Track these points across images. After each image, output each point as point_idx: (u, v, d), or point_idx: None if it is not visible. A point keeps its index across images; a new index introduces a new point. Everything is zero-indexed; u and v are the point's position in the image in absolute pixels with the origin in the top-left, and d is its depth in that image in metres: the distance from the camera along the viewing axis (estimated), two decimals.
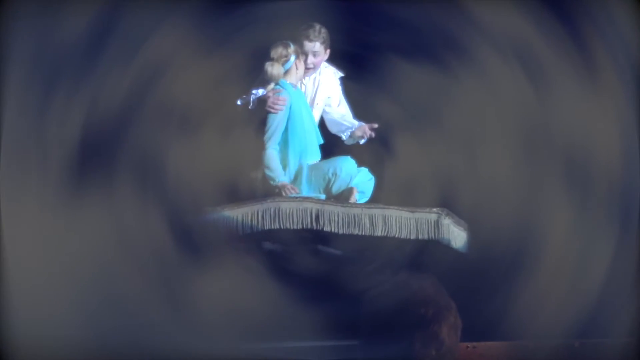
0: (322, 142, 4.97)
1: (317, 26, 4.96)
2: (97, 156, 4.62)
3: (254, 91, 4.87)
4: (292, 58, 4.86)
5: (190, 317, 4.47)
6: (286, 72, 4.88)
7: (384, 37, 5.12)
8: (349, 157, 4.87)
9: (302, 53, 4.93)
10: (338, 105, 5.15)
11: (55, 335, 4.35)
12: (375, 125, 5.04)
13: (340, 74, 5.14)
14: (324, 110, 5.15)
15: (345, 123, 5.13)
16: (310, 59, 4.97)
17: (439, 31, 4.98)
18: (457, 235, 4.77)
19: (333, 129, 5.18)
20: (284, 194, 4.72)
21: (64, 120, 4.61)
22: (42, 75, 4.61)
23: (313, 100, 5.09)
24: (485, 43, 4.91)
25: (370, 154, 5.04)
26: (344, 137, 5.15)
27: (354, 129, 5.09)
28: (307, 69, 4.97)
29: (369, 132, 5.02)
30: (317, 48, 4.96)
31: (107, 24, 4.72)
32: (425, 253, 4.71)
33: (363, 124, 5.07)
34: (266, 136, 4.82)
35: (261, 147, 4.83)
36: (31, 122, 4.58)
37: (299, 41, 4.93)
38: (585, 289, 4.63)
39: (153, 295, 4.46)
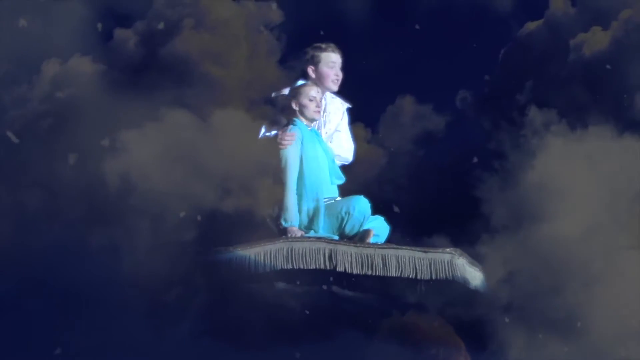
0: (343, 180, 4.95)
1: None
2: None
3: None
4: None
5: None
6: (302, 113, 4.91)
7: None
8: (362, 197, 4.84)
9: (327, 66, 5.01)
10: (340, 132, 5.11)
11: None
12: None
13: (348, 105, 5.13)
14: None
15: None
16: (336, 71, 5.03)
17: None
18: (471, 275, 4.68)
19: None
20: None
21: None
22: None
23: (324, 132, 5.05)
24: None
25: None
26: None
27: None
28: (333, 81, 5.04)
29: None
30: (336, 59, 5.04)
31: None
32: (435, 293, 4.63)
33: None
34: (282, 173, 4.83)
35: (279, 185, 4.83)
36: None
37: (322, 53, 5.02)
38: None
39: None
